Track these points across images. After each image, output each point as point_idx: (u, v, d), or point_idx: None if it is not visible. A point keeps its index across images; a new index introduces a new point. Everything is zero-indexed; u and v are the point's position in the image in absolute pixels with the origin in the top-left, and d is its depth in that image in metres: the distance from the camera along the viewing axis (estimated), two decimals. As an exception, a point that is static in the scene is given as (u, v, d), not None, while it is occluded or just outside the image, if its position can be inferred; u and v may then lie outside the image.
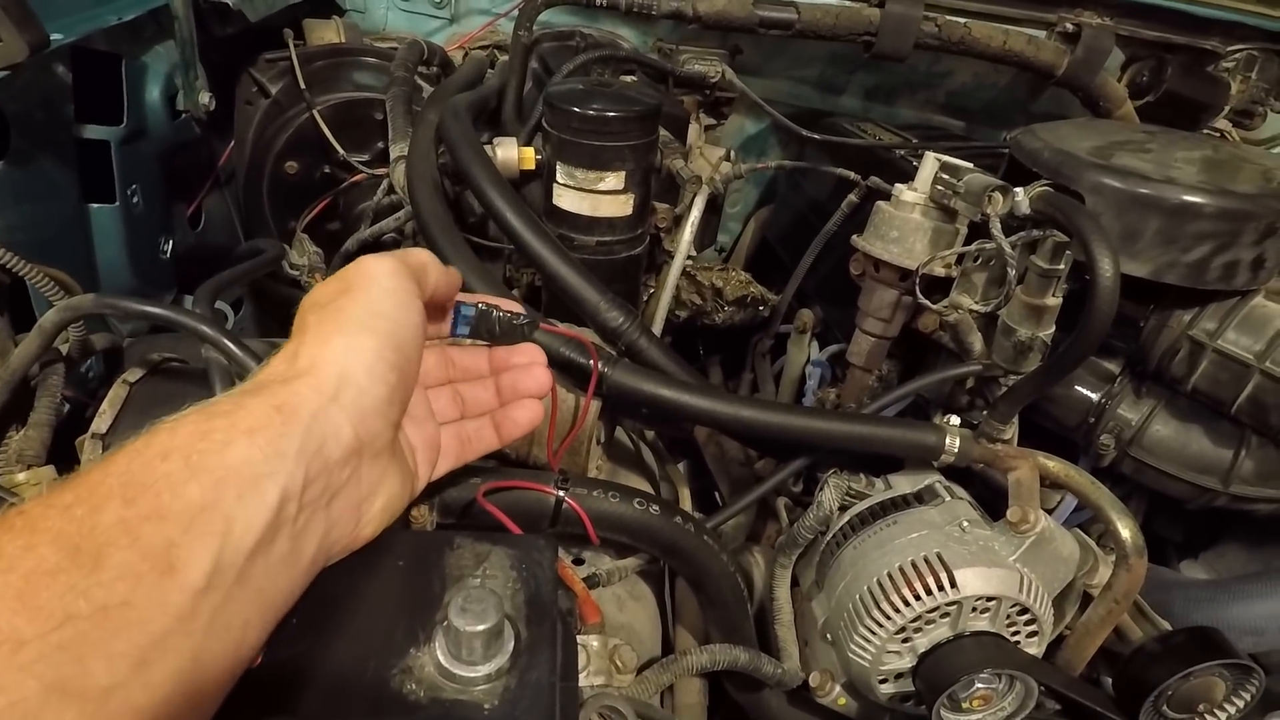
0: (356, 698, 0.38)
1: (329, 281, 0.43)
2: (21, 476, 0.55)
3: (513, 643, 0.41)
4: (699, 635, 0.89)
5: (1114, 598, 0.75)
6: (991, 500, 0.84)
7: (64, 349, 0.64)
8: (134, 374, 0.64)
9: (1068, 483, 0.79)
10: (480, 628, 0.40)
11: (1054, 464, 0.80)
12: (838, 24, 1.29)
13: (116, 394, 0.62)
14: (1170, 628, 0.82)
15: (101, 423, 0.60)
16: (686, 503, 1.01)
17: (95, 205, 0.92)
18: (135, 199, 0.97)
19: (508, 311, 0.57)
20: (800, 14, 1.28)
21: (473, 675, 0.40)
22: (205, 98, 1.03)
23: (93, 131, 0.89)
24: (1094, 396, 0.88)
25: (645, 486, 0.97)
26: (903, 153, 1.20)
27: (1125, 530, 0.74)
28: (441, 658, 0.40)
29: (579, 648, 0.47)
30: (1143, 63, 1.43)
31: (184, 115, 1.04)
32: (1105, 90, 1.37)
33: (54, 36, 0.69)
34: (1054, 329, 0.78)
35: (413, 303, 0.43)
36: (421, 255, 0.48)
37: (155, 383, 0.64)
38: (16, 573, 0.27)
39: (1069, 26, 1.34)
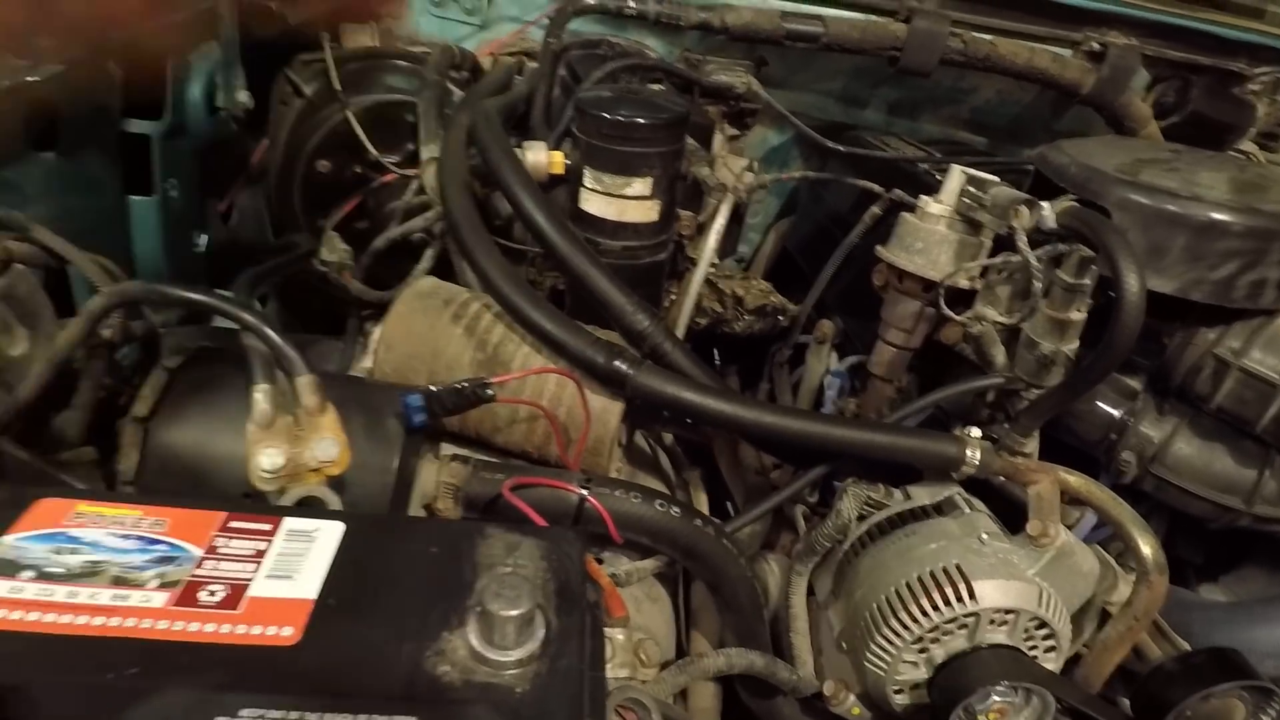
0: (392, 677, 0.39)
1: None
2: (65, 456, 0.57)
3: (544, 630, 0.42)
4: (714, 640, 0.89)
5: (1134, 615, 0.75)
6: (1010, 515, 0.84)
7: (105, 334, 0.65)
8: (173, 360, 0.65)
9: (1089, 498, 0.79)
10: (513, 613, 0.40)
11: (1075, 479, 0.80)
12: (864, 38, 1.30)
13: (157, 380, 0.64)
14: (1190, 648, 0.81)
15: (142, 406, 0.62)
16: (703, 508, 1.01)
17: (134, 197, 0.94)
18: (173, 193, 0.99)
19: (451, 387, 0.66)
20: (827, 27, 1.29)
21: (504, 659, 0.41)
22: (244, 96, 1.05)
23: (135, 126, 0.91)
24: (1116, 413, 0.88)
25: (663, 490, 0.98)
26: (926, 166, 1.21)
27: (1146, 547, 0.74)
28: (474, 641, 0.41)
29: (605, 640, 0.48)
30: (1168, 83, 1.43)
31: (222, 113, 1.06)
32: (1130, 110, 1.37)
33: (106, 33, 0.71)
34: (1078, 344, 0.78)
35: None
36: None
37: (194, 370, 0.66)
38: None
39: (1095, 45, 1.34)
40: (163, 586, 0.43)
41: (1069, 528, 0.85)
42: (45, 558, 0.43)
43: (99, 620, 0.40)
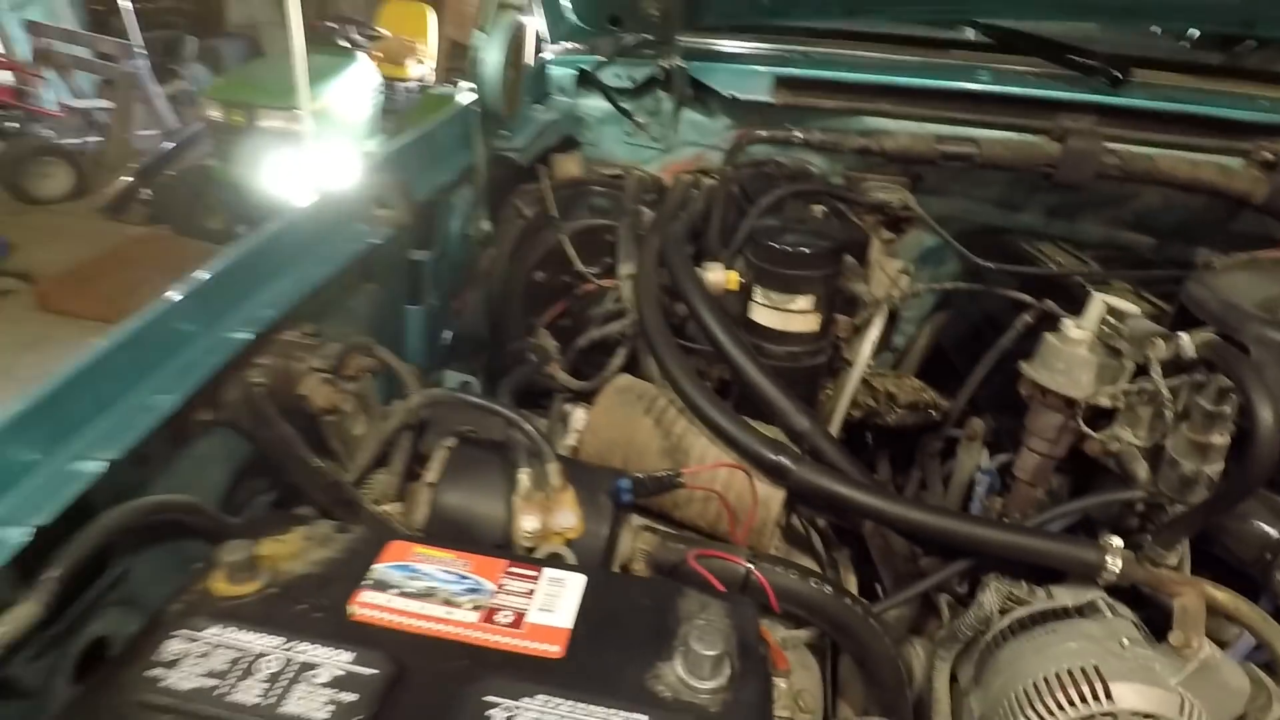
0: (628, 687, 0.56)
1: None
2: (389, 508, 0.81)
3: (729, 669, 0.58)
4: (858, 711, 0.99)
5: (1283, 735, 0.77)
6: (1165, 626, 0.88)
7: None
8: (451, 441, 0.89)
9: (1236, 614, 0.83)
10: (710, 653, 0.57)
11: (1222, 595, 0.84)
12: (1017, 157, 1.40)
13: (441, 455, 0.88)
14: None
15: (431, 475, 0.86)
16: (851, 588, 1.12)
17: (409, 306, 1.25)
18: (433, 301, 1.29)
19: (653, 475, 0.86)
20: (980, 149, 1.41)
21: (702, 687, 0.57)
22: (486, 225, 1.35)
23: (416, 255, 1.22)
24: (1271, 532, 0.89)
25: (814, 569, 1.10)
26: (1079, 279, 1.27)
27: (1295, 668, 0.76)
28: (680, 671, 0.58)
29: (773, 684, 0.62)
30: (1359, 188, 1.39)
31: (470, 238, 1.37)
32: (1312, 217, 1.35)
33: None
34: (1221, 464, 0.83)
35: None
36: None
37: (464, 450, 0.89)
38: None
39: (1267, 155, 1.34)
40: (473, 609, 0.63)
41: (1222, 645, 0.87)
42: (402, 582, 0.65)
43: (438, 627, 0.61)
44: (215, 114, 4.68)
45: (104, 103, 6.41)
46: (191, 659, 0.55)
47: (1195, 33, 1.88)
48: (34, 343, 3.93)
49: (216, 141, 4.80)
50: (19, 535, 0.54)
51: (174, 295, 0.71)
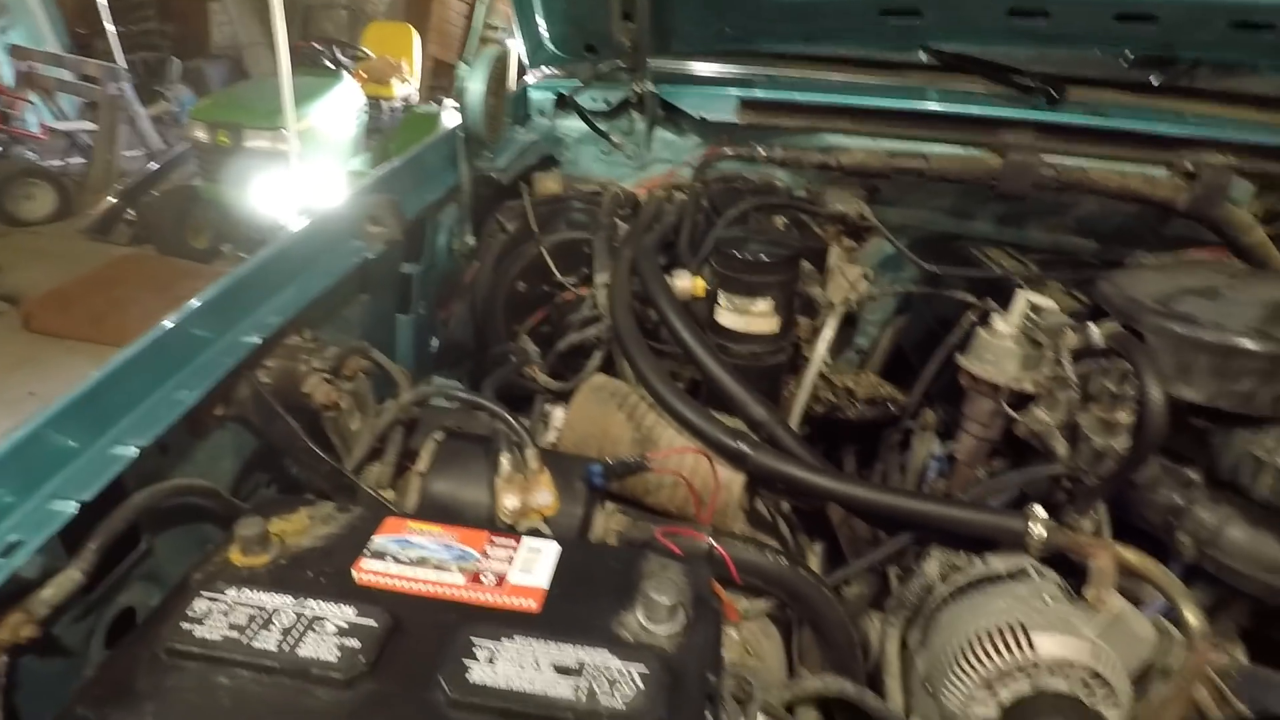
0: (594, 631, 0.65)
1: None
2: (389, 494, 0.90)
3: (684, 617, 0.67)
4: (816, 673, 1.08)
5: (1182, 675, 0.87)
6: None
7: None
8: (440, 434, 0.98)
9: (1143, 572, 0.93)
10: (666, 602, 0.66)
11: (1131, 555, 0.94)
12: (963, 170, 1.52)
13: (430, 448, 0.97)
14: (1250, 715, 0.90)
15: (422, 464, 0.95)
16: (815, 564, 1.22)
17: (399, 315, 1.33)
18: (421, 311, 1.38)
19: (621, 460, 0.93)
20: (929, 163, 1.52)
21: (659, 631, 0.66)
22: (470, 240, 1.44)
23: (406, 267, 1.31)
24: (1175, 499, 1.00)
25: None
26: (1019, 280, 1.38)
27: (1190, 615, 0.87)
28: (640, 618, 0.67)
29: (722, 631, 0.71)
30: (1274, 192, 1.52)
31: (455, 252, 1.46)
32: (1231, 219, 1.47)
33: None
34: (1127, 439, 0.93)
35: None
36: None
37: (451, 443, 0.98)
38: None
39: (1188, 166, 1.47)
40: (460, 573, 0.72)
41: (1139, 604, 0.97)
42: (398, 551, 0.74)
43: (430, 588, 0.70)
44: (201, 134, 4.73)
45: (87, 125, 6.46)
46: (215, 615, 0.64)
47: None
48: (19, 363, 3.97)
49: (202, 162, 4.85)
50: (67, 509, 0.62)
51: (193, 304, 0.80)
